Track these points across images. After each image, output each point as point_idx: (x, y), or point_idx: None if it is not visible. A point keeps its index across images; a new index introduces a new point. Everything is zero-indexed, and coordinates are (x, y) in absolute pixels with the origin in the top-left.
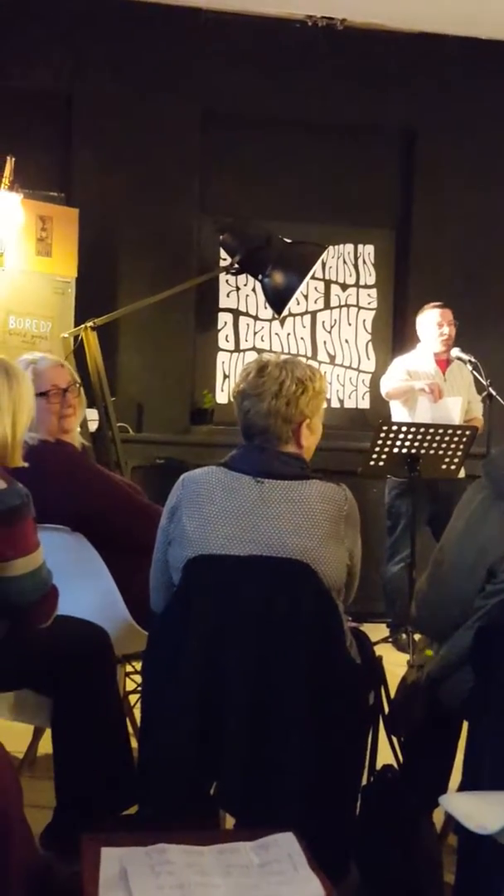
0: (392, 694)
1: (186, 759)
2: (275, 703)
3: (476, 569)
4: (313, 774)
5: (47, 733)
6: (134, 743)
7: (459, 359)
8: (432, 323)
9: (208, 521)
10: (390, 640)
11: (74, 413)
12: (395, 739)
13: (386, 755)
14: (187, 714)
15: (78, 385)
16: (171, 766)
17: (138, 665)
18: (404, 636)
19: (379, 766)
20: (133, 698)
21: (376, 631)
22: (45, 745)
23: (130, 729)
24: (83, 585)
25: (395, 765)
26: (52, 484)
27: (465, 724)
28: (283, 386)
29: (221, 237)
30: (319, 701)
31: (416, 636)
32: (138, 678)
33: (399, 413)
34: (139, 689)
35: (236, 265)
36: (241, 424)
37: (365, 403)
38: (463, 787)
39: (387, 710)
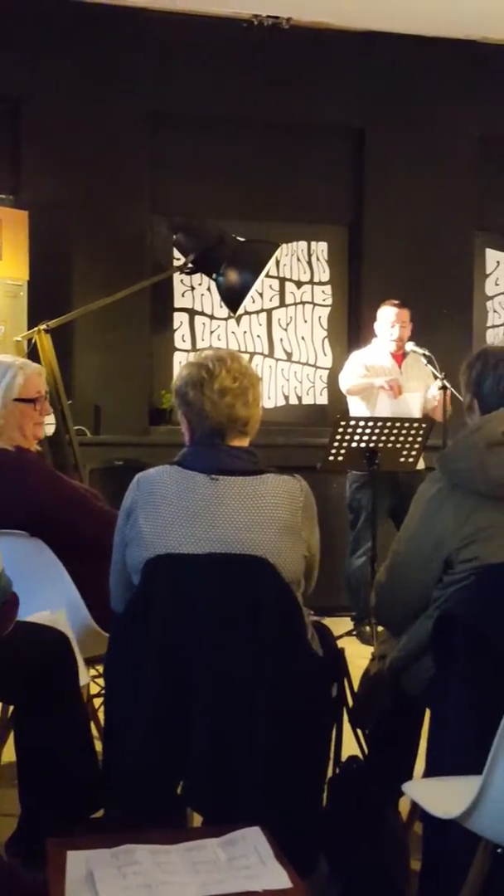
0: (355, 686)
1: (151, 759)
2: (238, 699)
3: (432, 560)
4: (279, 768)
5: (10, 741)
6: (98, 746)
7: (413, 352)
8: (386, 322)
9: (165, 521)
10: (354, 633)
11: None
12: (359, 731)
13: (351, 746)
14: (151, 714)
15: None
16: (137, 766)
17: (102, 668)
18: (368, 629)
19: (344, 757)
20: (97, 701)
21: (340, 625)
22: (9, 753)
23: (95, 732)
24: (44, 590)
25: (360, 756)
26: (9, 489)
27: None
28: (245, 377)
29: (174, 237)
30: (282, 695)
31: (380, 629)
32: (102, 681)
33: (358, 408)
34: (103, 691)
35: (190, 264)
36: (209, 429)
37: (323, 399)
38: (427, 774)
39: (350, 701)
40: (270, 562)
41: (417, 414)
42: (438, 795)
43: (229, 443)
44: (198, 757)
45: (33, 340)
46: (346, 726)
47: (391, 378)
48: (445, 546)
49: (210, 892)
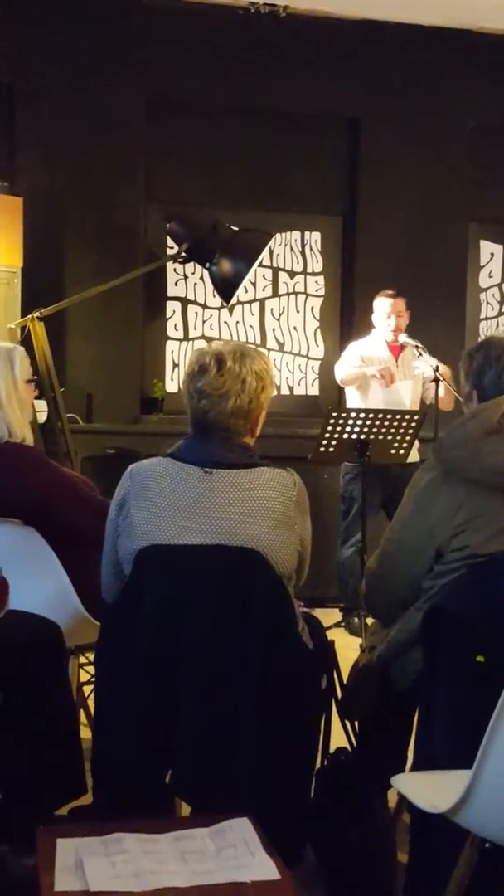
0: (345, 678)
1: (141, 748)
2: (228, 689)
3: (425, 548)
4: (267, 759)
5: None
6: (88, 733)
7: (406, 344)
8: (382, 312)
9: (157, 512)
10: (343, 624)
11: None
12: (348, 723)
13: (339, 738)
14: (141, 703)
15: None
16: (126, 755)
17: (92, 656)
18: (357, 620)
19: (332, 749)
20: (87, 689)
21: (329, 616)
22: None
23: (85, 719)
24: (35, 578)
25: (349, 747)
26: (2, 477)
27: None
28: (246, 383)
29: (168, 225)
30: (272, 686)
31: (369, 620)
32: (92, 669)
33: (353, 398)
34: (93, 679)
35: (184, 253)
36: (197, 421)
37: (314, 390)
38: (415, 768)
39: (339, 693)
40: (263, 554)
41: (409, 403)
42: (427, 789)
43: (235, 440)
44: (186, 746)
45: (26, 328)
46: (335, 718)
47: (383, 367)
48: (438, 534)
49: (198, 882)
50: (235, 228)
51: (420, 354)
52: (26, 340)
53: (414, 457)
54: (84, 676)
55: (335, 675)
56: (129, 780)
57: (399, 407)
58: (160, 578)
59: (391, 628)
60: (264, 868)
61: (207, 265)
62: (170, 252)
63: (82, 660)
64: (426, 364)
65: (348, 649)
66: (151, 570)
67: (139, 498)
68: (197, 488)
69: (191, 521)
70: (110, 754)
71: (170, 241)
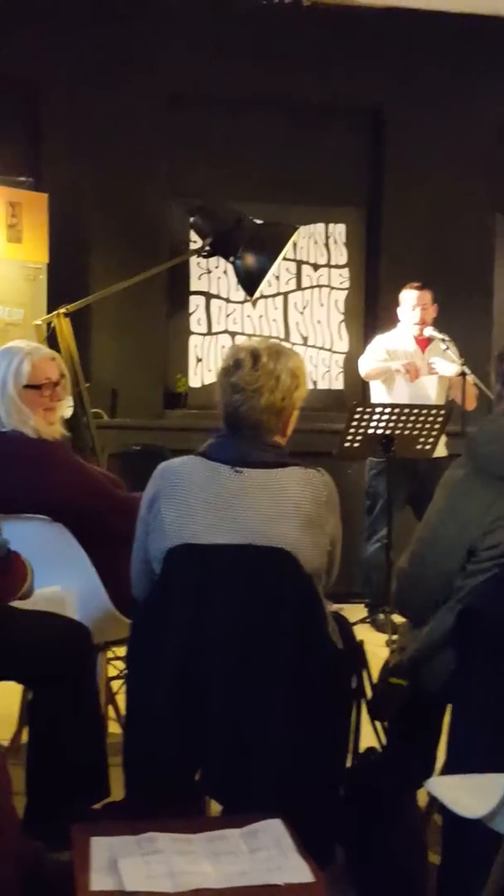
0: (374, 677)
1: (171, 746)
2: (258, 689)
3: (457, 546)
4: (297, 759)
5: None
6: (118, 728)
7: (433, 337)
8: (408, 305)
9: (188, 511)
10: (368, 620)
11: (59, 406)
12: (377, 723)
13: (369, 738)
14: (171, 702)
15: (65, 378)
16: (157, 753)
17: (120, 651)
18: (382, 616)
19: (362, 749)
20: (115, 684)
21: (354, 612)
22: None
23: (114, 715)
24: (65, 575)
25: (379, 747)
26: (30, 478)
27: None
28: (280, 380)
29: (192, 219)
30: (302, 686)
31: (395, 617)
32: (121, 664)
33: (378, 392)
34: (122, 674)
35: (207, 247)
36: (229, 416)
37: (339, 384)
38: (447, 770)
39: (369, 693)
40: (292, 554)
41: (435, 398)
42: (461, 793)
43: (265, 439)
44: (216, 746)
45: (52, 324)
46: (365, 717)
47: (408, 362)
48: (470, 532)
49: (232, 884)
50: (259, 222)
51: (447, 348)
52: (52, 336)
53: (441, 451)
54: (112, 671)
55: (365, 675)
56: (161, 778)
57: (424, 402)
58: (190, 577)
59: (422, 628)
60: (298, 870)
61: (231, 259)
62: (193, 246)
63: (109, 654)
64: (448, 365)
65: (374, 646)
66: (181, 569)
67: (169, 496)
68: (227, 487)
69: (221, 521)
70: (142, 752)
71: (193, 235)
